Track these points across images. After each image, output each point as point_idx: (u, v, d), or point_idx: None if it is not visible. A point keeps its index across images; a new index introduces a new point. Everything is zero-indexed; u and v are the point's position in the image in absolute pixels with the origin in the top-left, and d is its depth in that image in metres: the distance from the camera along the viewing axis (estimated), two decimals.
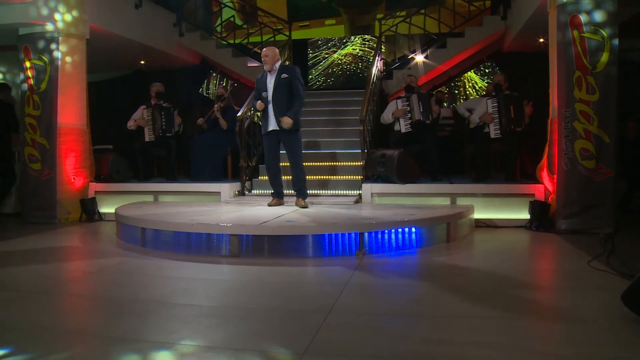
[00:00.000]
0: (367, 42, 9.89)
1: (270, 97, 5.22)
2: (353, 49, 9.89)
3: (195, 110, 8.58)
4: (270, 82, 5.26)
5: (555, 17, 5.28)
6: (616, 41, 5.08)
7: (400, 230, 4.42)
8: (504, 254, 4.30)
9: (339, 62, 9.93)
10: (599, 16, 5.08)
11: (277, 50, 5.38)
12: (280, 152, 5.45)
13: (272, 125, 5.25)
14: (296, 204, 5.36)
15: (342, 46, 9.95)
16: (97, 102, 8.01)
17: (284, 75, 5.23)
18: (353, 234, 4.24)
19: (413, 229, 4.48)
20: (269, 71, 5.27)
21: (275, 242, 4.22)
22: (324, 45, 9.99)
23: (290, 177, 5.49)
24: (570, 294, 3.10)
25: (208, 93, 9.86)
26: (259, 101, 5.24)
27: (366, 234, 4.28)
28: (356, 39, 9.92)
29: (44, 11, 6.08)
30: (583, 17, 5.10)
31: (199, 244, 4.37)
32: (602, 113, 5.09)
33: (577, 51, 5.12)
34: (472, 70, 9.13)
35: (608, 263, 3.80)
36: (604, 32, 5.07)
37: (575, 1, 5.12)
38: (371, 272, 3.74)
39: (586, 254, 4.11)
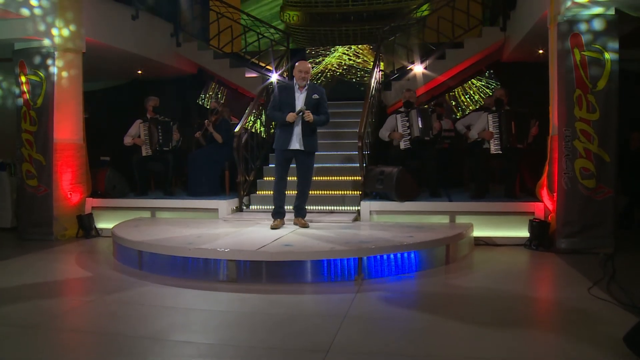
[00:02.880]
0: (359, 53, 9.82)
1: (303, 109, 5.02)
2: (340, 57, 9.79)
3: (192, 121, 8.54)
4: (300, 99, 5.09)
5: (556, 35, 5.25)
6: (617, 59, 5.05)
7: (399, 254, 4.38)
8: (503, 279, 4.25)
9: (327, 70, 9.83)
10: (599, 34, 5.05)
11: (309, 65, 5.31)
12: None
13: (295, 145, 5.09)
14: (297, 224, 5.30)
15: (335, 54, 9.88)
16: (93, 112, 7.97)
17: (315, 96, 5.10)
18: (352, 259, 4.21)
19: (412, 253, 4.45)
20: (300, 88, 5.12)
21: (274, 267, 4.18)
22: (320, 54, 9.93)
23: (295, 192, 5.38)
24: (571, 330, 3.06)
25: (203, 100, 9.78)
26: (292, 113, 5.01)
27: (365, 259, 4.25)
28: (341, 48, 9.84)
29: (41, 26, 6.01)
30: (584, 36, 5.06)
31: (197, 268, 4.33)
32: (603, 132, 5.06)
33: (578, 70, 5.09)
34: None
35: (609, 289, 3.78)
36: (605, 51, 5.04)
37: (576, 19, 5.09)
38: (369, 302, 3.70)
39: (586, 279, 4.10)
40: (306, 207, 5.46)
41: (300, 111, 5.02)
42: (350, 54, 9.79)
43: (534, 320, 3.34)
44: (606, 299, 3.56)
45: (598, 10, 5.04)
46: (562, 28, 5.16)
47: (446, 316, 3.34)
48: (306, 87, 5.13)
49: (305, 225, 5.26)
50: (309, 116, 5.01)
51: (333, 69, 9.78)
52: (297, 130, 5.09)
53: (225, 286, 4.10)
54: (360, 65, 9.72)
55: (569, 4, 4.99)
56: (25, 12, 5.82)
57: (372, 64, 8.28)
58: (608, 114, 5.06)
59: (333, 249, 4.23)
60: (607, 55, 5.03)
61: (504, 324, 3.18)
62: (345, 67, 9.76)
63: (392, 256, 4.36)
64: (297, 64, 5.19)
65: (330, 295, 3.83)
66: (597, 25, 5.05)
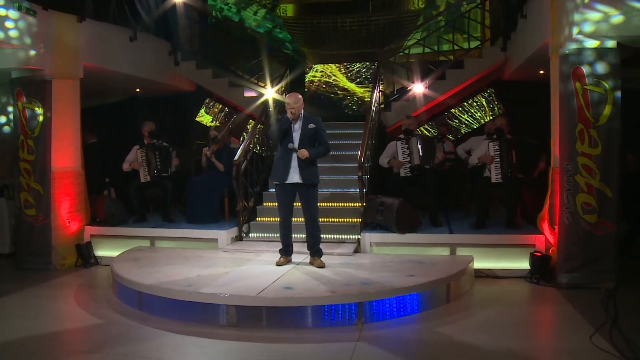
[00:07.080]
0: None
1: (296, 148, 4.92)
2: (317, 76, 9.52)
3: (191, 140, 8.48)
4: (296, 131, 4.97)
5: (558, 67, 5.20)
6: (619, 93, 5.00)
7: (400, 296, 4.36)
8: (503, 324, 4.18)
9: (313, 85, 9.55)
10: (601, 68, 4.99)
11: (300, 96, 5.04)
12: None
13: (294, 178, 4.94)
14: (312, 264, 5.12)
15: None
16: (90, 129, 7.86)
17: (311, 126, 4.96)
18: (353, 304, 4.18)
19: (413, 294, 4.42)
20: (293, 119, 4.98)
21: (274, 312, 4.16)
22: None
23: (305, 235, 5.24)
24: None
25: (207, 111, 9.66)
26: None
27: (366, 303, 4.22)
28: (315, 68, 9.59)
29: (37, 55, 5.94)
30: (585, 69, 5.01)
31: (197, 312, 4.30)
32: (605, 166, 5.02)
33: (580, 104, 5.04)
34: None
35: (611, 337, 3.74)
36: (607, 85, 4.99)
37: (578, 53, 5.03)
38: (369, 355, 3.66)
39: (588, 322, 4.07)
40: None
41: (292, 149, 4.91)
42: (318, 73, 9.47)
43: None
44: (609, 351, 3.53)
45: (600, 43, 4.99)
46: (563, 60, 5.11)
47: None
48: (301, 118, 4.99)
49: (321, 266, 5.03)
50: (303, 154, 4.88)
51: (322, 87, 9.49)
52: (294, 162, 4.95)
53: (226, 332, 4.07)
54: (340, 83, 9.45)
55: (571, 36, 4.94)
56: (17, 41, 5.71)
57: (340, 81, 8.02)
58: (610, 148, 5.01)
59: (333, 294, 4.19)
60: (609, 90, 4.98)
61: None
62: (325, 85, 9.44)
63: (393, 299, 4.33)
64: (286, 97, 5.04)
65: (331, 345, 3.80)
66: (600, 59, 4.99)
